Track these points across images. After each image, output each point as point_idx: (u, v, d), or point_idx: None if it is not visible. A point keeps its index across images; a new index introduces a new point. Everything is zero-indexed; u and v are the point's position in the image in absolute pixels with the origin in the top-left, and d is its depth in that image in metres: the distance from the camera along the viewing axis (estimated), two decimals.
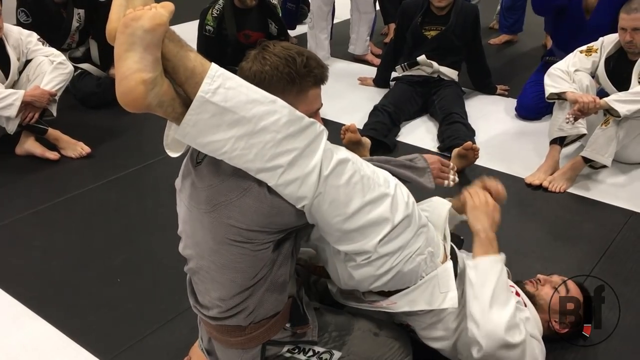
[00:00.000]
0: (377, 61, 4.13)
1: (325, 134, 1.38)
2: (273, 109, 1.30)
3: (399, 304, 1.60)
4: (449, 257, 1.63)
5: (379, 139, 3.12)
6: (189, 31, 3.56)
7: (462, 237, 1.79)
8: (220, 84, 1.26)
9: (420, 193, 1.72)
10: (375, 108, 3.34)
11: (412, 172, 1.71)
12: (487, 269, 1.53)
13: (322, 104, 1.50)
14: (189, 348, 1.83)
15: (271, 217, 1.38)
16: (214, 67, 1.28)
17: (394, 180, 1.50)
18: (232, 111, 1.27)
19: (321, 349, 1.61)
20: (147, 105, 1.25)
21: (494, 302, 1.50)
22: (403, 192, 1.50)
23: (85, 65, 3.70)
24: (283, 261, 1.48)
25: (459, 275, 1.65)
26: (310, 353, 1.61)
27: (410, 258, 1.50)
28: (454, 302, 1.57)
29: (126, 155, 3.09)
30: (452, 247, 1.70)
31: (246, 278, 1.44)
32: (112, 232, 2.47)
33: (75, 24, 3.58)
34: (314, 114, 1.46)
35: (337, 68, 4.18)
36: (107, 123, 3.40)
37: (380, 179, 1.45)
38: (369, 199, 1.41)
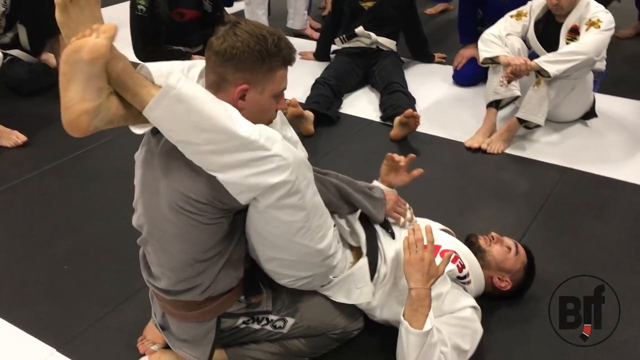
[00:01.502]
0: (317, 35, 4.13)
1: (290, 170, 1.36)
2: (222, 139, 1.32)
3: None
4: (364, 254, 1.69)
5: (321, 112, 3.14)
6: (124, 12, 3.48)
7: (390, 230, 1.81)
8: (167, 105, 1.30)
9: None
10: (317, 81, 3.35)
11: (367, 200, 1.75)
12: (415, 342, 1.58)
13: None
14: (142, 329, 1.83)
15: (216, 192, 1.39)
16: (167, 87, 1.29)
17: (331, 236, 1.56)
18: (177, 132, 1.33)
19: (275, 317, 1.64)
20: (93, 129, 1.29)
21: None
22: (338, 255, 1.62)
23: (14, 52, 3.53)
24: (240, 238, 1.51)
25: (395, 258, 1.73)
26: (264, 322, 1.64)
27: (308, 282, 1.62)
28: (369, 296, 1.69)
29: (65, 141, 2.95)
30: (375, 236, 1.75)
31: (197, 251, 1.45)
32: (56, 220, 2.42)
33: (0, 8, 3.43)
34: (279, 94, 1.48)
35: None
36: (42, 110, 3.29)
37: (320, 234, 1.51)
38: (295, 241, 1.48)
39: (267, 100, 1.45)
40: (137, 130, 1.44)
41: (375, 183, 2.05)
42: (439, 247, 1.81)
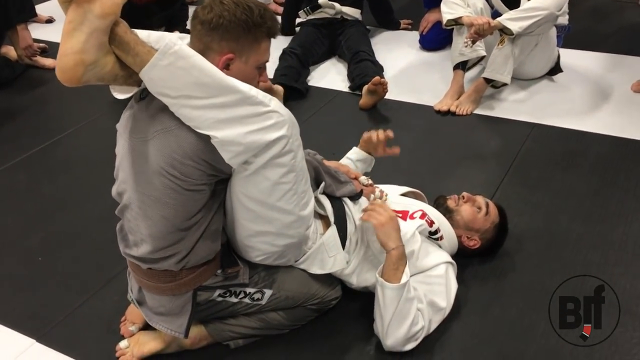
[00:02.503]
0: (281, 9, 4.09)
1: (287, 127, 1.40)
2: (222, 93, 1.34)
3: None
4: (332, 223, 1.69)
5: (290, 85, 3.12)
6: None
7: (360, 191, 1.81)
8: (170, 62, 1.30)
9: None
10: (284, 52, 3.33)
11: (333, 182, 1.76)
12: (392, 296, 1.61)
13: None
14: (121, 313, 1.83)
15: (204, 154, 1.40)
16: (170, 42, 1.30)
17: (312, 205, 1.59)
18: (177, 88, 1.33)
19: (252, 290, 1.65)
20: (84, 82, 1.29)
21: (394, 321, 1.61)
22: (314, 225, 1.64)
23: None
24: (218, 209, 1.52)
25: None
26: (242, 295, 1.65)
27: (280, 256, 1.62)
28: (343, 263, 1.70)
29: (30, 134, 2.95)
30: (341, 204, 1.75)
31: (178, 217, 1.45)
32: (27, 213, 2.39)
33: None
34: (262, 66, 1.50)
35: None
36: (5, 104, 3.23)
37: (304, 200, 1.54)
38: (280, 206, 1.49)
39: (251, 70, 1.47)
40: (120, 95, 1.46)
41: (354, 149, 2.06)
42: (407, 212, 1.83)
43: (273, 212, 1.50)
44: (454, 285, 1.74)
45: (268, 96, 1.40)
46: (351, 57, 3.32)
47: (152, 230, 1.47)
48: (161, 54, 1.29)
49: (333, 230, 1.69)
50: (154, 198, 1.44)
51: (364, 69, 3.18)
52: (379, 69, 3.23)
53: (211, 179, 1.45)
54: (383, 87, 2.91)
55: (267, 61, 1.52)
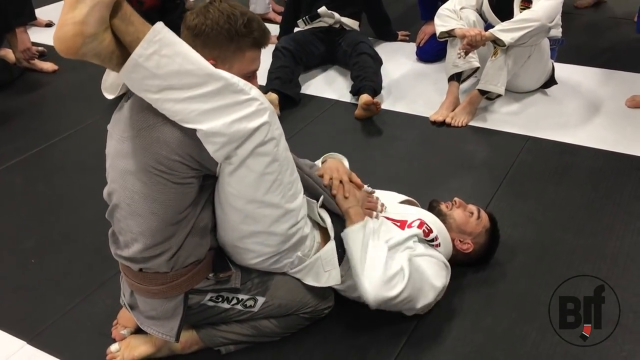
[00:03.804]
0: (280, 19, 4.11)
1: (268, 114, 1.40)
2: (205, 81, 1.34)
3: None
4: (331, 237, 1.70)
5: (284, 93, 3.12)
6: None
7: None
8: (155, 50, 1.30)
9: None
10: (277, 49, 3.32)
11: (324, 191, 1.77)
12: (354, 238, 1.65)
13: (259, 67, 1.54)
14: (113, 317, 1.83)
15: (189, 148, 1.41)
16: (154, 31, 1.30)
17: (301, 199, 1.60)
18: (161, 78, 1.32)
19: (245, 296, 1.65)
20: (81, 54, 1.28)
21: (365, 265, 1.63)
22: (307, 229, 1.64)
23: None
24: (206, 205, 1.52)
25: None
26: (234, 301, 1.65)
27: (277, 260, 1.62)
28: (337, 279, 1.70)
29: (26, 136, 2.96)
30: (341, 219, 1.75)
31: (168, 212, 1.45)
32: (21, 216, 2.39)
33: None
34: (250, 74, 1.51)
35: None
36: (1, 107, 3.23)
37: (291, 192, 1.54)
38: (267, 200, 1.50)
39: None
40: (110, 95, 1.48)
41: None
42: (405, 221, 1.84)
43: (261, 208, 1.50)
44: (443, 274, 1.77)
45: (249, 84, 1.40)
46: (352, 51, 3.33)
47: (142, 227, 1.47)
48: (146, 42, 1.29)
49: (332, 245, 1.69)
50: (142, 195, 1.45)
51: (363, 68, 3.18)
52: (377, 65, 3.24)
53: (197, 173, 1.46)
54: (376, 106, 2.92)
55: (256, 70, 1.53)
